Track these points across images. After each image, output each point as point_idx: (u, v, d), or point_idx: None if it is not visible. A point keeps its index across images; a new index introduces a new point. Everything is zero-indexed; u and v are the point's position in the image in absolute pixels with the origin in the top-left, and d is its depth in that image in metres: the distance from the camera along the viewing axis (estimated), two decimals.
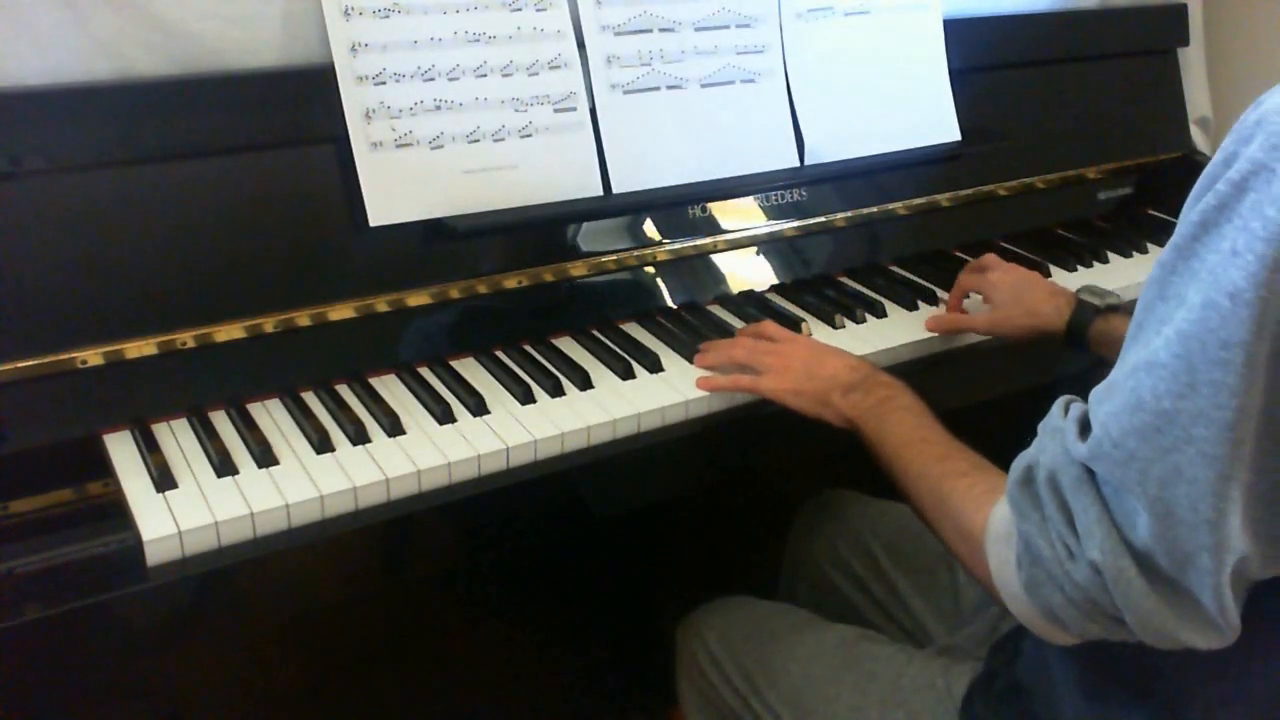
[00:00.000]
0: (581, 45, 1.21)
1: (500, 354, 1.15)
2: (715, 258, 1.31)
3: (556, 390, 1.08)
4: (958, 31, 1.46)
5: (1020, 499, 0.71)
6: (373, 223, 1.09)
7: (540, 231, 1.20)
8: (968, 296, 1.28)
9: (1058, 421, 0.70)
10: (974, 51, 1.49)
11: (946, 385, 1.27)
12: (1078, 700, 0.82)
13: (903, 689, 0.98)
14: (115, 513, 0.88)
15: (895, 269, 1.41)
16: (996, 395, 1.32)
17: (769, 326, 1.15)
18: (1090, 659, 0.80)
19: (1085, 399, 0.71)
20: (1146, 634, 0.66)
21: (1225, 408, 0.60)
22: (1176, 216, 0.65)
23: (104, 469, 0.94)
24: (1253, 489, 0.62)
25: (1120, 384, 0.65)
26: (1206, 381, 0.60)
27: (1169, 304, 0.63)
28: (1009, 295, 1.20)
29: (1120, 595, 0.65)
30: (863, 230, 1.40)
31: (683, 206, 1.27)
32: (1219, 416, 0.60)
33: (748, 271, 1.33)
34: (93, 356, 0.98)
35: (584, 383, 1.09)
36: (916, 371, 1.21)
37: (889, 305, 1.29)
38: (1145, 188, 1.65)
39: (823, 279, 1.36)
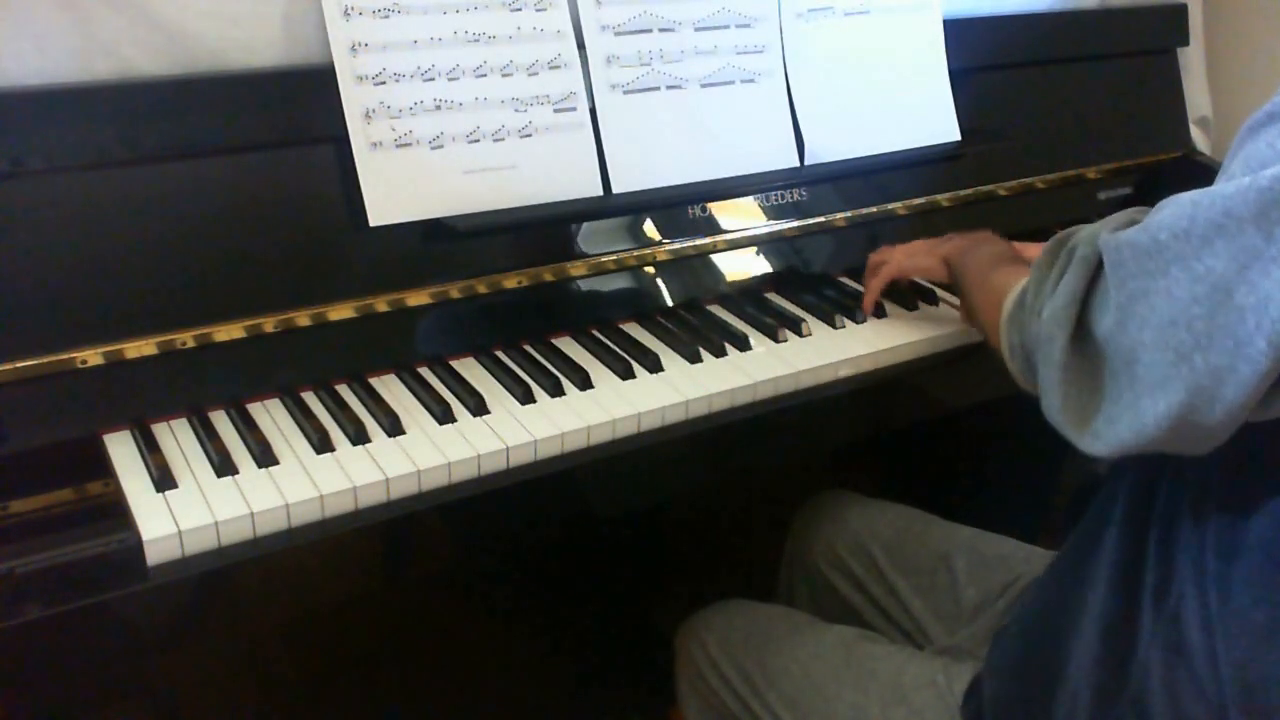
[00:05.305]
0: (581, 45, 1.21)
1: (500, 354, 1.15)
2: (715, 258, 1.31)
3: (556, 390, 1.08)
4: (958, 31, 1.46)
5: (1045, 254, 0.81)
6: (372, 223, 1.09)
7: (540, 231, 1.20)
8: None
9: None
10: (974, 51, 1.49)
11: (949, 385, 1.27)
12: None
13: (903, 686, 0.98)
14: (115, 513, 0.88)
15: None
16: (999, 395, 1.31)
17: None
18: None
19: None
20: (1042, 396, 0.77)
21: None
22: None
23: (104, 469, 0.94)
24: None
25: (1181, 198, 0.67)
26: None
27: (1253, 152, 0.64)
28: None
29: (1043, 355, 0.76)
30: (863, 230, 1.40)
31: (683, 206, 1.27)
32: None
33: (748, 271, 1.33)
34: (93, 356, 0.98)
35: (584, 383, 1.09)
36: (919, 372, 1.21)
37: (889, 305, 1.29)
38: (1145, 188, 1.65)
39: (823, 279, 1.36)
